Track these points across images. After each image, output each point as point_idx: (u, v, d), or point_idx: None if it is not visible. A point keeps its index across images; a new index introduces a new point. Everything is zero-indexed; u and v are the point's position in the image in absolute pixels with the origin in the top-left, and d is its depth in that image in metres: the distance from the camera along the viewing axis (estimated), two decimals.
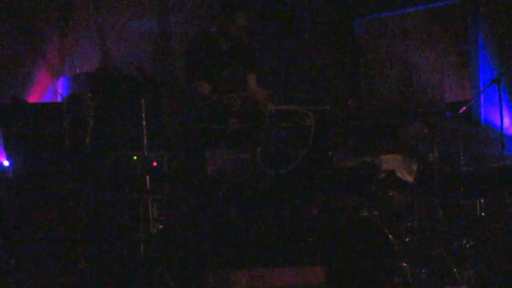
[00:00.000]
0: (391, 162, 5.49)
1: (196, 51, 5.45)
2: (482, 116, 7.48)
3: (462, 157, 5.57)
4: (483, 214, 5.55)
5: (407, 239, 5.17)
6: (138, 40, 7.53)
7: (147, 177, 4.94)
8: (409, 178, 5.51)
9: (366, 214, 5.20)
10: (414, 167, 5.53)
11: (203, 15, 7.84)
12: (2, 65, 6.75)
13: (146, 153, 4.93)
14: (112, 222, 5.21)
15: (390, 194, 5.38)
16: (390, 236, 5.04)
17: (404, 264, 5.00)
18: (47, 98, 6.91)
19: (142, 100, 4.92)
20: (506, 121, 6.23)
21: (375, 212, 5.22)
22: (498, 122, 6.06)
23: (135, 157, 5.10)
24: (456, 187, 5.51)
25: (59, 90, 6.74)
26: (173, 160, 5.50)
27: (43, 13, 7.04)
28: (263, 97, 5.34)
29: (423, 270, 5.09)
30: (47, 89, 6.96)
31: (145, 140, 4.91)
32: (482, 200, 5.56)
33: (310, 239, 5.23)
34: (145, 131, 4.90)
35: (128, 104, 5.54)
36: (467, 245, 5.33)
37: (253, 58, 5.68)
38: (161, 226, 5.00)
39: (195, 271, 5.04)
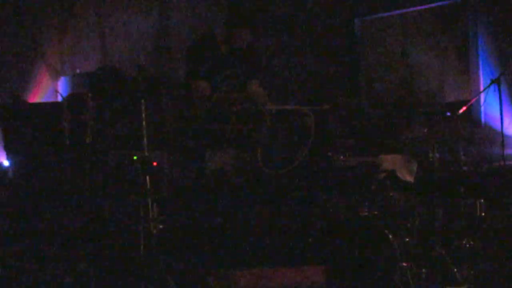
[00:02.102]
0: (391, 162, 5.49)
1: (197, 51, 5.45)
2: (482, 116, 7.48)
3: (462, 157, 5.57)
4: (483, 214, 5.55)
5: (407, 239, 5.17)
6: (138, 40, 7.53)
7: (147, 177, 4.94)
8: (409, 178, 5.51)
9: (366, 214, 5.20)
10: (414, 167, 5.53)
11: (203, 15, 7.85)
12: (2, 65, 6.75)
13: (146, 153, 4.93)
14: (112, 222, 5.21)
15: (390, 194, 5.38)
16: (390, 236, 5.04)
17: (404, 264, 5.00)
18: (47, 98, 6.91)
19: (142, 100, 4.92)
20: (506, 121, 6.22)
21: (375, 212, 5.22)
22: (498, 122, 6.06)
23: (135, 157, 5.11)
24: (456, 187, 5.50)
25: (59, 90, 6.73)
26: (173, 160, 5.50)
27: (43, 13, 7.04)
28: (263, 97, 5.34)
29: (423, 270, 5.09)
30: (47, 89, 6.96)
31: (145, 140, 4.91)
32: (482, 200, 5.56)
33: (310, 239, 5.23)
34: (145, 131, 4.90)
35: (128, 104, 5.54)
36: (467, 245, 5.33)
37: (257, 65, 5.68)
38: (161, 226, 5.00)
39: (195, 271, 5.04)
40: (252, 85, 5.53)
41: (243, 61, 5.54)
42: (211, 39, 5.51)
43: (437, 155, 5.42)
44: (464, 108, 5.69)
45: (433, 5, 8.08)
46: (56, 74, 7.05)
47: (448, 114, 5.66)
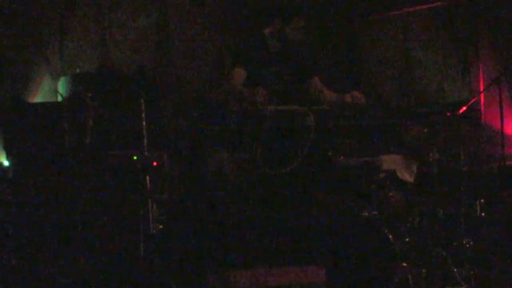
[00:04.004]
0: (391, 162, 5.49)
1: (249, 56, 5.40)
2: (482, 116, 7.48)
3: (462, 157, 5.56)
4: (483, 214, 5.55)
5: (407, 239, 5.17)
6: (138, 40, 7.52)
7: (147, 177, 4.94)
8: (409, 178, 5.51)
9: (366, 214, 5.20)
10: (414, 167, 5.53)
11: (204, 15, 7.84)
12: (2, 65, 6.75)
13: (146, 153, 4.92)
14: (112, 222, 5.21)
15: (390, 194, 5.38)
16: (390, 236, 5.04)
17: (404, 264, 5.00)
18: (47, 98, 6.90)
19: (142, 100, 4.92)
20: (506, 121, 6.22)
21: (375, 212, 5.22)
22: (498, 122, 6.06)
23: (135, 157, 5.10)
24: (456, 187, 5.50)
25: (59, 90, 6.73)
26: (173, 160, 5.49)
27: (43, 13, 7.03)
28: (262, 97, 5.33)
29: (423, 270, 5.09)
30: (47, 89, 6.95)
31: (145, 140, 4.91)
32: (482, 200, 5.56)
33: (310, 239, 5.23)
34: (145, 131, 4.90)
35: (128, 104, 5.53)
36: (467, 245, 5.33)
37: (313, 59, 5.67)
38: (161, 226, 5.00)
39: (195, 271, 5.04)
40: (315, 82, 5.54)
41: (297, 57, 5.53)
42: (259, 40, 5.48)
43: (437, 155, 5.42)
44: (464, 108, 5.69)
45: (433, 5, 8.08)
46: (56, 74, 7.03)
47: (448, 114, 5.66)
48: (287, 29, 5.41)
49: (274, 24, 5.45)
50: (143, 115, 4.91)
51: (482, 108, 7.20)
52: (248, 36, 5.84)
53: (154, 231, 4.90)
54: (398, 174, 5.48)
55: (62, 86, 6.81)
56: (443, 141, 5.54)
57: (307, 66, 5.65)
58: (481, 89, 7.30)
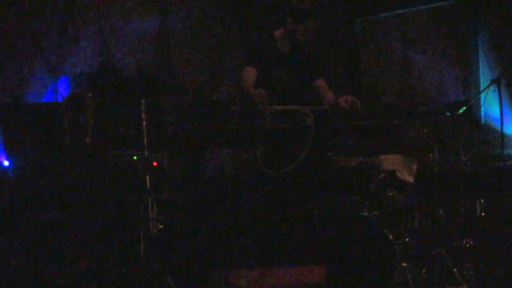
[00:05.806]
0: (391, 162, 5.48)
1: (257, 58, 5.40)
2: (482, 116, 7.48)
3: (462, 157, 5.57)
4: (483, 214, 5.55)
5: (407, 239, 5.17)
6: (138, 40, 7.52)
7: (147, 177, 4.94)
8: (409, 178, 5.51)
9: (366, 214, 5.20)
10: (414, 167, 5.53)
11: (204, 15, 7.85)
12: (2, 65, 6.75)
13: (146, 153, 4.92)
14: (112, 222, 5.21)
15: (390, 194, 5.38)
16: (390, 236, 5.04)
17: (404, 264, 5.00)
18: (47, 98, 6.91)
19: (142, 100, 4.92)
20: (506, 121, 6.23)
21: (375, 212, 5.22)
22: (498, 122, 6.06)
23: (135, 157, 5.10)
24: (456, 187, 5.50)
25: (59, 90, 6.73)
26: (173, 160, 5.49)
27: (43, 12, 7.04)
28: (262, 97, 5.33)
29: (423, 270, 5.09)
30: (47, 89, 6.96)
31: (145, 140, 4.91)
32: (482, 200, 5.56)
33: (310, 239, 5.23)
34: (145, 131, 4.90)
35: (128, 104, 5.54)
36: (467, 245, 5.34)
37: (320, 62, 5.68)
38: (161, 226, 5.00)
39: (195, 271, 5.04)
40: (320, 85, 5.55)
41: (306, 58, 5.55)
42: (270, 41, 5.49)
43: (437, 155, 5.42)
44: (464, 108, 5.70)
45: (433, 5, 8.08)
46: (56, 74, 7.04)
47: (448, 114, 5.66)
48: (298, 29, 5.42)
49: (286, 25, 5.47)
50: (143, 115, 4.90)
51: (482, 108, 7.20)
52: (258, 37, 5.85)
53: (154, 231, 4.89)
54: (398, 174, 5.48)
55: (62, 86, 6.82)
56: (443, 141, 5.54)
57: (315, 68, 5.66)
58: (481, 89, 7.30)
